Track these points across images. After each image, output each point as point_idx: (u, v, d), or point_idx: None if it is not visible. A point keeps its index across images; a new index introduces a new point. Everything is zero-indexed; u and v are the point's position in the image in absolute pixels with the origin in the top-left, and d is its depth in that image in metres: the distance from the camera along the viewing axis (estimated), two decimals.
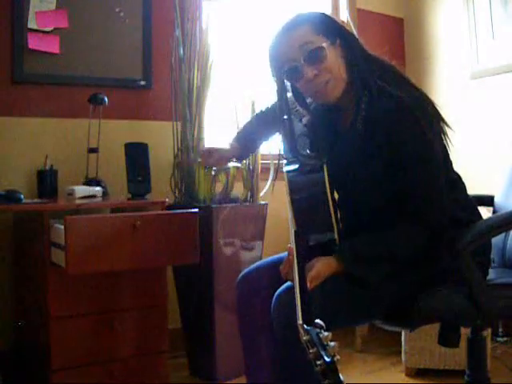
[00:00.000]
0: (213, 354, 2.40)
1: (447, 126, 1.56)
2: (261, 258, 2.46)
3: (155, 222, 2.08)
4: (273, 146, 2.64)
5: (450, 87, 3.10)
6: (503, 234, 1.86)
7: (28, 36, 2.51)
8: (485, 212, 1.86)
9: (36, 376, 2.23)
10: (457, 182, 1.64)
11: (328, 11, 3.39)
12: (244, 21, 3.08)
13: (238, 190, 2.61)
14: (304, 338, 1.14)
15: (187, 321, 2.57)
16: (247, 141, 1.92)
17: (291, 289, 1.44)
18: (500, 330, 2.83)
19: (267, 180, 2.69)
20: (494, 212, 2.01)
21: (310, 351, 1.11)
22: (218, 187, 2.60)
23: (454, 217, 1.53)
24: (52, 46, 2.57)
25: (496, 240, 1.81)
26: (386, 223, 1.49)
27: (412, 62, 3.32)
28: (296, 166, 1.55)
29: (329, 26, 1.53)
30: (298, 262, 1.35)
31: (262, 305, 1.55)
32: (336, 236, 1.48)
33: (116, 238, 1.99)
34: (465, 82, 3.04)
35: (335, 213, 1.48)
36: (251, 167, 2.59)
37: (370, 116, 1.49)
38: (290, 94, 1.65)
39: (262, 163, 2.66)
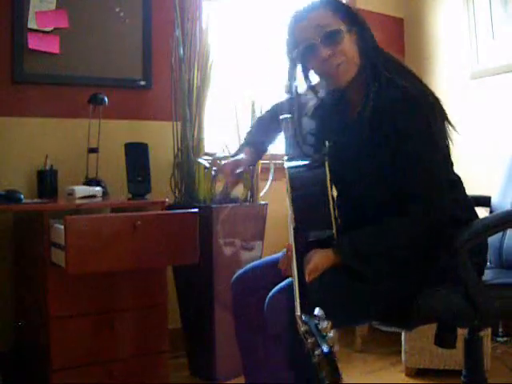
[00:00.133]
0: (213, 354, 2.40)
1: (451, 125, 1.56)
2: (261, 258, 2.46)
3: (155, 222, 2.08)
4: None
5: (450, 87, 3.10)
6: (500, 235, 1.86)
7: (28, 36, 2.51)
8: (482, 212, 1.86)
9: (36, 376, 2.23)
10: (457, 183, 1.64)
11: None
12: (244, 21, 3.08)
13: (238, 190, 2.61)
14: (302, 328, 1.13)
15: (187, 321, 2.57)
16: (258, 143, 1.89)
17: (283, 290, 1.46)
18: (500, 330, 2.83)
19: (267, 180, 2.68)
20: (490, 213, 2.01)
21: (308, 341, 1.10)
22: (218, 187, 2.60)
23: (453, 216, 1.53)
24: (52, 45, 2.57)
25: (493, 240, 1.80)
26: (386, 218, 1.49)
27: (412, 62, 3.31)
28: (298, 163, 1.56)
29: (348, 13, 1.56)
30: (297, 257, 1.35)
31: (257, 305, 1.55)
32: (334, 232, 1.48)
33: (116, 238, 1.99)
34: (465, 82, 3.04)
35: (334, 210, 1.48)
36: (251, 167, 2.59)
37: (377, 105, 1.50)
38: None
39: (262, 163, 2.66)
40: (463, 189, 1.66)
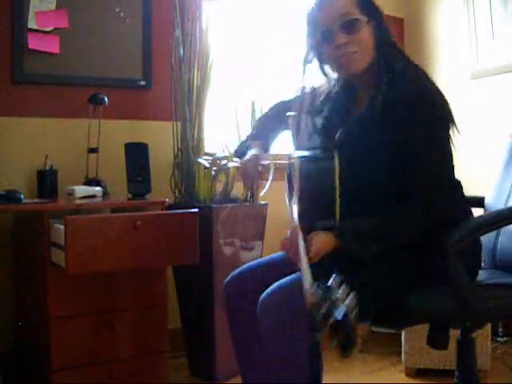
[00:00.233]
0: (213, 354, 2.40)
1: (456, 129, 1.57)
2: (261, 258, 2.45)
3: (155, 222, 2.08)
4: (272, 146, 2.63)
5: (449, 87, 3.09)
6: (494, 236, 1.85)
7: (28, 36, 2.51)
8: (477, 213, 1.85)
9: (36, 376, 2.23)
10: (457, 187, 1.64)
11: None
12: (244, 21, 3.08)
13: (238, 190, 2.61)
14: (313, 300, 1.08)
15: (187, 321, 2.57)
16: (263, 138, 1.87)
17: (275, 292, 1.46)
18: (500, 330, 2.83)
19: (267, 180, 2.68)
20: None
21: (321, 311, 1.05)
22: (218, 187, 2.60)
23: (451, 219, 1.53)
24: (52, 46, 2.57)
25: (487, 241, 1.79)
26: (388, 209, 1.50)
27: None
28: (307, 153, 1.58)
29: (369, 6, 1.58)
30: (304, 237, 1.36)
31: (250, 307, 1.55)
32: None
33: (116, 238, 1.99)
34: (465, 81, 3.04)
35: (340, 202, 1.49)
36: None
37: (389, 96, 1.51)
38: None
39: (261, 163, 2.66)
40: (462, 193, 1.66)
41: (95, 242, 1.95)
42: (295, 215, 1.46)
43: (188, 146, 2.56)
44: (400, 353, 2.53)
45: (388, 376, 2.49)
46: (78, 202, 2.26)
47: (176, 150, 2.62)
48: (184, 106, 2.56)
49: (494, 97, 2.95)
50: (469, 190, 1.67)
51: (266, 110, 1.95)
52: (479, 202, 1.97)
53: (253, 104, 2.58)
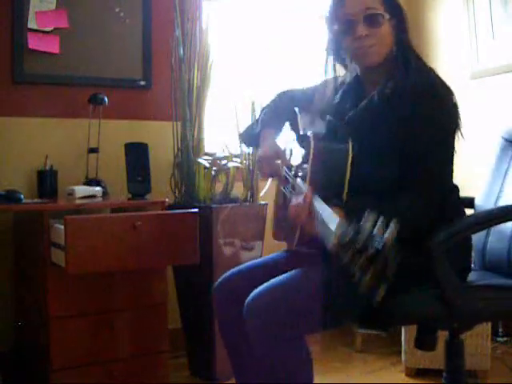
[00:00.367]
0: (213, 354, 2.40)
1: (460, 133, 1.58)
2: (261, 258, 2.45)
3: (155, 222, 2.08)
4: None
5: None
6: (483, 237, 1.84)
7: (28, 36, 2.51)
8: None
9: (36, 376, 2.23)
10: (454, 192, 1.65)
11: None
12: (244, 21, 3.08)
13: (238, 190, 2.61)
14: (346, 238, 1.07)
15: (187, 321, 2.57)
16: (276, 125, 1.82)
17: (261, 295, 1.46)
18: (500, 330, 2.83)
19: (267, 180, 2.68)
20: None
21: (356, 245, 1.04)
22: (218, 187, 2.60)
23: (447, 220, 1.53)
24: (52, 46, 2.57)
25: (476, 242, 1.78)
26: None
27: None
28: (324, 132, 1.62)
29: (393, 4, 1.61)
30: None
31: (238, 309, 1.53)
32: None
33: (116, 238, 1.99)
34: (465, 82, 3.04)
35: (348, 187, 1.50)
36: (251, 167, 2.59)
37: (401, 85, 1.53)
38: None
39: None
40: (458, 196, 1.67)
41: (95, 242, 1.95)
42: (304, 187, 1.47)
43: (188, 146, 2.56)
44: (400, 353, 2.53)
45: (388, 376, 2.49)
46: (78, 201, 2.26)
47: (176, 150, 2.62)
48: (184, 106, 2.56)
49: (494, 97, 2.95)
50: (468, 191, 1.66)
51: (272, 97, 1.89)
52: (470, 202, 1.97)
53: (253, 104, 2.58)
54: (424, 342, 1.59)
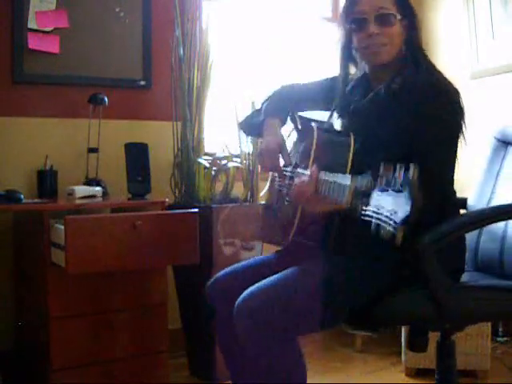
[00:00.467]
0: (213, 354, 2.40)
1: (464, 137, 1.59)
2: None
3: (155, 222, 2.08)
4: None
5: None
6: (475, 238, 1.84)
7: (28, 36, 2.51)
8: None
9: (36, 376, 2.23)
10: (454, 194, 1.65)
11: (328, 12, 3.39)
12: (244, 21, 3.08)
13: (238, 190, 2.61)
14: (361, 187, 1.09)
15: (187, 321, 2.57)
16: (282, 113, 1.80)
17: (251, 297, 1.46)
18: (500, 329, 2.83)
19: (267, 180, 2.68)
20: None
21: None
22: (218, 187, 2.60)
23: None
24: (52, 46, 2.56)
25: (469, 243, 1.76)
26: None
27: None
28: (325, 126, 1.64)
29: (406, 6, 1.63)
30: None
31: (231, 311, 1.53)
32: None
33: (116, 238, 1.99)
34: (465, 82, 3.04)
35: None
36: (251, 167, 2.59)
37: (411, 81, 1.55)
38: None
39: None
40: (457, 204, 1.69)
41: (95, 242, 1.95)
42: (306, 171, 1.48)
43: (188, 146, 2.56)
44: (400, 353, 2.53)
45: (388, 376, 2.49)
46: (78, 201, 2.26)
47: (176, 150, 2.62)
48: (184, 106, 2.56)
49: (494, 97, 2.95)
50: (464, 193, 1.66)
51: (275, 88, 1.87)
52: (463, 203, 1.96)
53: (253, 104, 2.58)
54: (415, 343, 1.59)
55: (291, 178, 1.63)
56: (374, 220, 1.09)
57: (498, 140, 1.96)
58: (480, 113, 2.95)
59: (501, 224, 1.76)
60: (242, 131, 2.03)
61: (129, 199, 2.35)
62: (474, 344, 2.41)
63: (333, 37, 3.39)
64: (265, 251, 2.51)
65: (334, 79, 1.80)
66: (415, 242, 1.43)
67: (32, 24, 2.52)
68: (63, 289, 2.07)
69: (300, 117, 1.80)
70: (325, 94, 1.78)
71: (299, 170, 1.60)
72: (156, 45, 2.78)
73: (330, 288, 1.45)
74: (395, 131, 1.52)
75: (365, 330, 1.64)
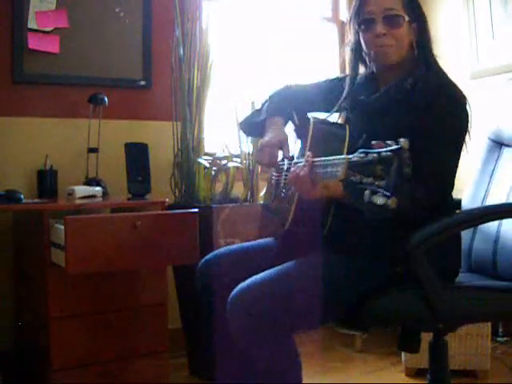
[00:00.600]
0: (213, 354, 2.40)
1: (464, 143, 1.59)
2: None
3: (155, 222, 2.08)
4: None
5: None
6: (469, 239, 1.84)
7: (28, 36, 2.51)
8: None
9: (36, 376, 2.23)
10: (450, 199, 1.65)
11: (328, 12, 3.39)
12: (244, 21, 3.08)
13: (238, 189, 2.61)
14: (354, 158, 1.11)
15: (187, 321, 2.56)
16: (284, 112, 1.79)
17: (245, 291, 1.45)
18: (500, 330, 2.83)
19: (267, 180, 2.68)
20: None
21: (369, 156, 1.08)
22: (218, 187, 2.60)
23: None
24: (52, 45, 2.56)
25: (462, 244, 1.75)
26: None
27: None
28: (323, 118, 1.67)
29: (415, 9, 1.64)
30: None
31: (221, 291, 1.53)
32: None
33: (116, 238, 1.99)
34: (465, 82, 3.04)
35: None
36: (251, 167, 2.59)
37: (423, 81, 1.56)
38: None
39: None
40: (453, 202, 1.69)
41: (95, 242, 1.95)
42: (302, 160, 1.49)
43: (188, 146, 2.56)
44: (400, 353, 2.53)
45: (388, 376, 2.49)
46: (78, 201, 2.26)
47: (176, 150, 2.62)
48: (184, 106, 2.56)
49: (494, 97, 2.94)
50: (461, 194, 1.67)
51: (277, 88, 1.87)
52: (457, 204, 1.95)
53: (253, 104, 2.58)
54: (407, 343, 1.59)
55: (288, 169, 1.64)
56: (367, 190, 1.11)
57: (492, 141, 1.96)
58: (480, 113, 2.95)
59: (494, 225, 1.76)
60: (242, 132, 2.02)
61: (129, 199, 2.35)
62: (474, 344, 2.41)
63: (333, 37, 3.40)
64: None
65: (335, 80, 1.80)
66: (405, 241, 1.44)
67: (32, 24, 2.52)
68: (63, 289, 2.07)
69: (297, 114, 1.80)
70: (324, 96, 1.78)
71: (296, 160, 1.62)
72: (156, 45, 2.78)
73: (325, 285, 1.45)
74: (401, 129, 1.52)
75: (355, 329, 1.64)
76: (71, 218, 1.92)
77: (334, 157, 1.31)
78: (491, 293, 1.59)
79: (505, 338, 2.82)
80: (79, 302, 2.10)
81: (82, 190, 2.35)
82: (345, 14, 3.30)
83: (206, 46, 2.60)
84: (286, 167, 1.68)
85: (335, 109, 1.75)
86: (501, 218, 1.71)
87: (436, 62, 1.64)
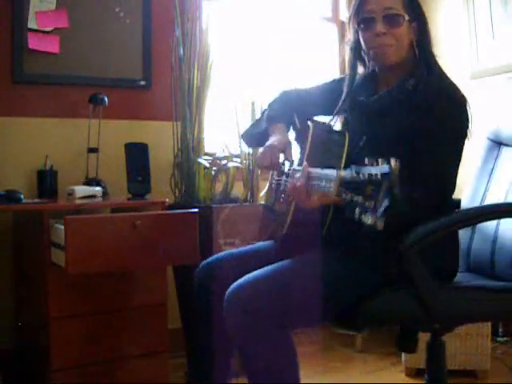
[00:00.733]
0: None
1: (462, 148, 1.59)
2: None
3: (155, 222, 2.08)
4: None
5: None
6: (468, 239, 1.84)
7: (28, 36, 2.51)
8: None
9: (36, 376, 2.23)
10: (450, 199, 1.65)
11: (328, 12, 3.39)
12: (244, 21, 3.08)
13: (238, 189, 2.61)
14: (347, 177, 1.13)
15: (187, 321, 2.56)
16: (285, 118, 1.79)
17: (242, 288, 1.45)
18: (500, 330, 2.83)
19: (267, 180, 2.68)
20: None
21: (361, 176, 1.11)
22: (218, 187, 2.60)
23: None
24: (52, 45, 2.57)
25: (461, 244, 1.74)
26: None
27: None
28: (323, 122, 1.67)
29: (415, 8, 1.64)
30: None
31: (220, 294, 1.52)
32: None
33: (116, 238, 1.98)
34: (465, 82, 3.04)
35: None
36: (251, 167, 2.59)
37: (425, 83, 1.56)
38: None
39: None
40: (452, 203, 1.69)
41: (95, 242, 1.95)
42: (301, 167, 1.48)
43: (188, 146, 2.56)
44: (400, 353, 2.53)
45: (388, 376, 2.49)
46: (78, 201, 2.26)
47: (176, 150, 2.62)
48: (184, 106, 2.56)
49: (494, 97, 2.94)
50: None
51: (275, 96, 1.86)
52: (456, 204, 1.95)
53: (253, 104, 2.58)
54: (405, 343, 1.59)
55: (288, 175, 1.64)
56: (357, 209, 1.14)
57: (491, 140, 1.96)
58: (480, 113, 2.95)
59: (492, 225, 1.76)
60: (244, 143, 2.01)
61: (129, 199, 2.35)
62: (474, 344, 2.41)
63: (333, 37, 3.40)
64: None
65: (339, 80, 1.80)
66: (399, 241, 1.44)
67: (32, 24, 2.52)
68: (63, 289, 2.07)
69: (298, 118, 1.80)
70: (326, 97, 1.78)
71: (295, 166, 1.61)
72: (156, 45, 2.78)
73: (321, 282, 1.45)
74: (402, 130, 1.53)
75: (350, 329, 1.64)
76: (71, 218, 1.92)
77: (329, 170, 1.31)
78: (488, 293, 1.59)
79: (505, 338, 2.82)
80: (79, 302, 2.10)
81: (81, 190, 2.35)
82: (345, 14, 3.30)
83: (206, 46, 2.60)
84: (286, 171, 1.68)
85: (336, 111, 1.75)
86: (497, 217, 1.71)
87: (437, 63, 1.64)
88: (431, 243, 1.48)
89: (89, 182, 2.47)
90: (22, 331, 2.38)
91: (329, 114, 1.78)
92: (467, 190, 1.96)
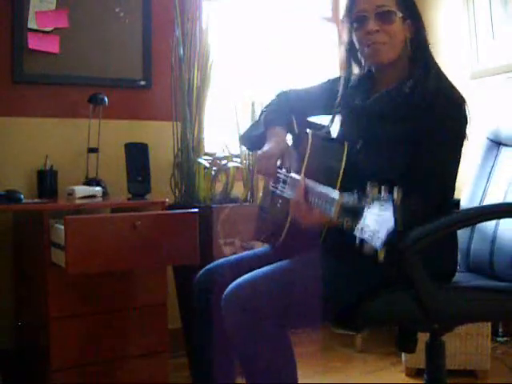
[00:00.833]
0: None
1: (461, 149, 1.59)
2: None
3: (155, 222, 2.08)
4: None
5: None
6: (467, 239, 1.84)
7: (28, 36, 2.51)
8: None
9: (36, 376, 2.23)
10: (450, 200, 1.65)
11: (328, 12, 3.39)
12: (244, 21, 3.08)
13: (238, 189, 2.61)
14: (347, 204, 1.13)
15: (187, 321, 2.56)
16: (284, 120, 1.77)
17: (240, 287, 1.45)
18: (500, 330, 2.83)
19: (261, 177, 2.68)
20: None
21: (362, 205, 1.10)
22: (218, 187, 2.60)
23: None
24: (52, 45, 2.57)
25: (460, 244, 1.75)
26: None
27: None
28: (321, 132, 1.65)
29: (408, 5, 1.62)
30: None
31: (219, 299, 1.52)
32: None
33: (116, 237, 1.98)
34: (465, 82, 3.04)
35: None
36: (251, 167, 2.59)
37: (423, 85, 1.55)
38: None
39: None
40: (452, 203, 1.69)
41: (95, 241, 1.95)
42: (298, 177, 1.49)
43: (188, 146, 2.56)
44: (400, 353, 2.53)
45: (388, 376, 2.49)
46: (78, 201, 2.26)
47: (176, 150, 2.62)
48: (184, 106, 2.56)
49: (494, 97, 2.94)
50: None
51: (272, 97, 1.85)
52: (456, 204, 1.95)
53: (253, 104, 2.58)
54: (404, 343, 1.59)
55: (284, 181, 1.63)
56: (358, 236, 1.12)
57: (491, 140, 1.96)
58: (479, 113, 2.95)
59: (491, 225, 1.76)
60: (243, 146, 2.01)
61: (129, 199, 2.35)
62: (474, 344, 2.41)
63: (333, 37, 3.40)
64: None
65: (334, 81, 1.79)
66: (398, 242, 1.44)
67: (32, 24, 2.52)
68: (63, 289, 2.07)
69: (297, 121, 1.79)
70: (326, 96, 1.77)
71: (292, 174, 1.59)
72: (156, 45, 2.78)
73: (320, 282, 1.45)
74: (401, 132, 1.53)
75: (350, 329, 1.64)
76: (71, 218, 1.92)
77: (328, 189, 1.29)
78: (487, 293, 1.59)
79: (505, 338, 2.82)
80: (79, 302, 2.10)
81: (81, 190, 2.35)
82: None
83: (206, 46, 2.60)
84: (282, 177, 1.65)
85: (333, 113, 1.74)
86: (497, 217, 1.71)
87: (435, 63, 1.62)
88: (430, 243, 1.48)
89: (89, 182, 2.47)
90: (21, 331, 2.38)
91: (329, 114, 1.78)
92: (466, 190, 1.96)
